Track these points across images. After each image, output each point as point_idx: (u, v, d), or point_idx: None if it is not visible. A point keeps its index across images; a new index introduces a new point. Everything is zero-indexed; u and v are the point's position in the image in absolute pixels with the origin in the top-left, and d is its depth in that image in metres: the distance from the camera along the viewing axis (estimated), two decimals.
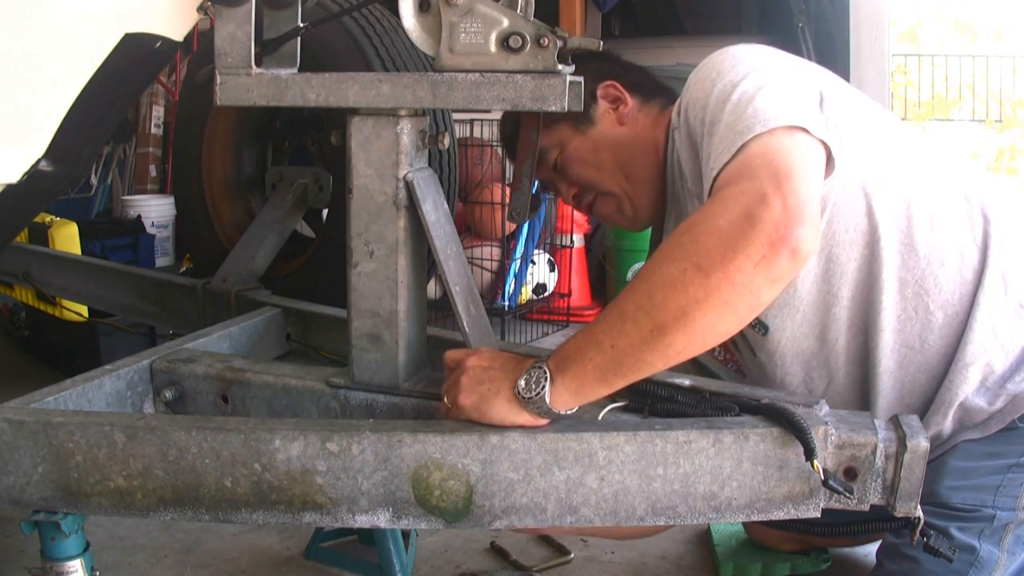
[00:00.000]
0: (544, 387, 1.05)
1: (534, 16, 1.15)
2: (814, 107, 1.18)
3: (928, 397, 1.36)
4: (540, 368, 1.06)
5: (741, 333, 1.41)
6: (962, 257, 1.32)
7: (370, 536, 1.63)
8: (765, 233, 0.95)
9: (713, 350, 1.51)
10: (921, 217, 1.31)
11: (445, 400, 1.14)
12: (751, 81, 1.20)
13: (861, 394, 1.39)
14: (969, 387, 1.32)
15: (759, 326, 1.39)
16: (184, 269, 3.42)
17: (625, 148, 1.52)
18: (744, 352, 1.47)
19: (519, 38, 1.12)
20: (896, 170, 1.34)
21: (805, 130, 1.10)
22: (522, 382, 1.06)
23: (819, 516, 1.09)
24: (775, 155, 1.05)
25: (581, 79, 1.15)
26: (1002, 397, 1.32)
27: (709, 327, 0.98)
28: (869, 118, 1.37)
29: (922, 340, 1.33)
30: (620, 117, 1.53)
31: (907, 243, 1.31)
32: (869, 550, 1.77)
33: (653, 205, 1.53)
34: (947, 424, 1.35)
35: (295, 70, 1.33)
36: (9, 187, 1.35)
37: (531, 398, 1.05)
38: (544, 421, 1.08)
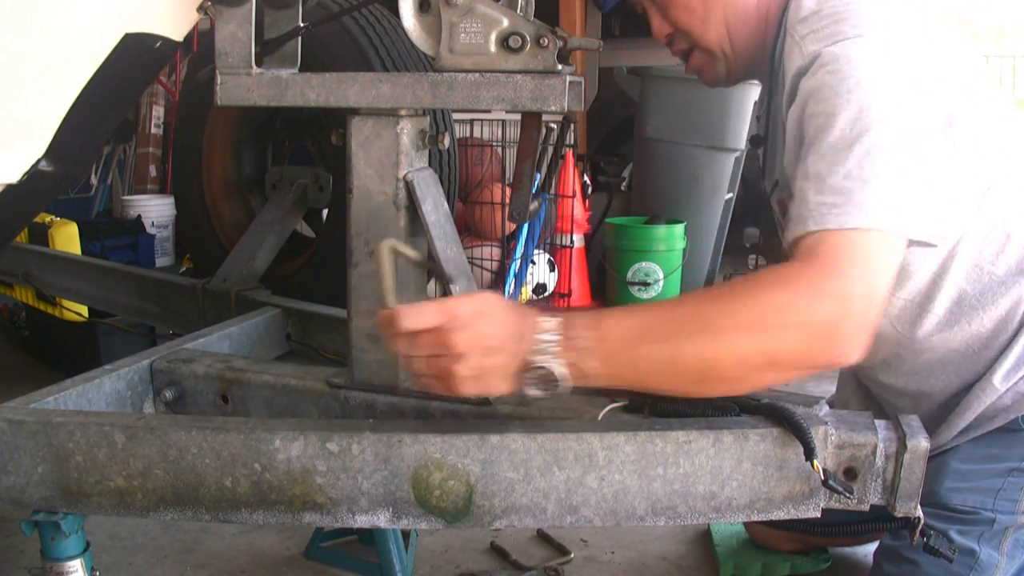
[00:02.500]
0: (555, 388, 1.03)
1: (534, 16, 1.15)
2: (926, 189, 1.14)
3: (957, 394, 1.36)
4: (549, 370, 1.02)
5: None
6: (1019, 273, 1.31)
7: (370, 536, 1.63)
8: (838, 351, 1.03)
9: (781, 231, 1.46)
10: (998, 238, 1.29)
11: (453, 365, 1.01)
12: (879, 132, 1.11)
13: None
14: (996, 394, 1.32)
15: None
16: (184, 269, 3.42)
17: (738, 9, 1.36)
18: None
19: (519, 38, 1.12)
20: (996, 190, 1.29)
21: (903, 235, 1.11)
22: (531, 377, 1.02)
23: (819, 516, 1.09)
24: (872, 270, 1.06)
25: (581, 79, 1.15)
26: (1011, 393, 1.32)
27: (739, 393, 1.10)
28: (987, 129, 1.31)
29: (969, 346, 1.33)
30: None
31: (977, 262, 1.30)
32: (869, 550, 1.77)
33: (747, 73, 1.43)
34: (958, 430, 1.34)
35: (295, 70, 1.33)
36: (9, 187, 1.35)
37: (539, 391, 1.03)
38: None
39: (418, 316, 1.00)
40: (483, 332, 1.01)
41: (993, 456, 1.33)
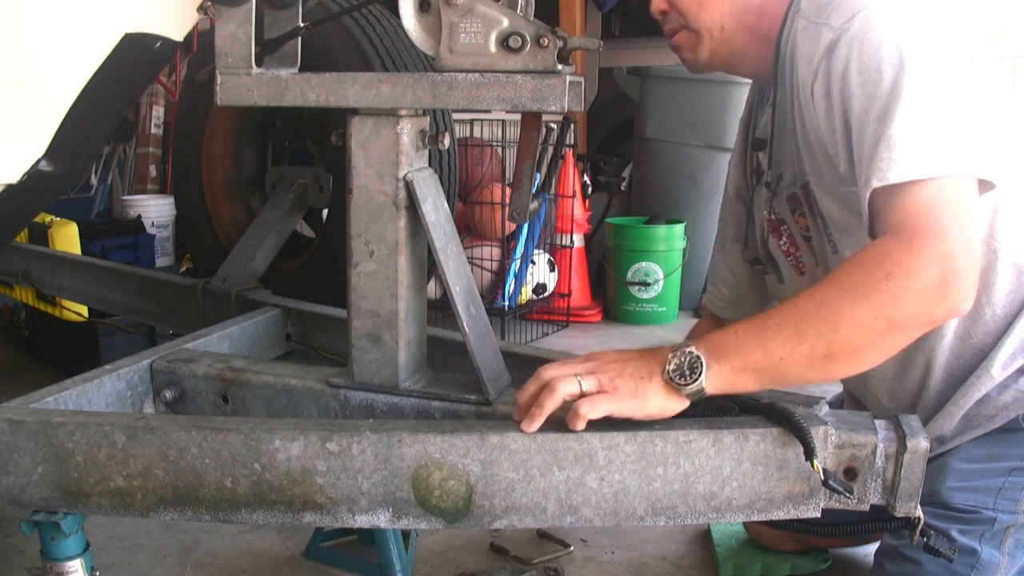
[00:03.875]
0: (701, 372, 1.05)
1: (534, 16, 1.15)
2: (986, 127, 1.19)
3: (952, 386, 1.36)
4: (688, 353, 1.06)
5: (813, 238, 1.41)
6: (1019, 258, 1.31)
7: (370, 536, 1.63)
8: (950, 305, 1.07)
9: (780, 236, 1.49)
10: (1006, 214, 1.30)
11: (583, 385, 1.07)
12: (927, 88, 1.14)
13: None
14: (992, 383, 1.32)
15: (832, 245, 1.36)
16: (184, 269, 3.42)
17: (738, 1, 1.38)
18: (813, 255, 1.44)
19: (519, 38, 1.12)
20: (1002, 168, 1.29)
21: (977, 176, 1.14)
22: (672, 367, 1.06)
23: (819, 516, 1.09)
24: (962, 213, 1.10)
25: (581, 79, 1.15)
26: (1011, 391, 1.32)
27: (871, 364, 1.09)
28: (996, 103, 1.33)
29: (968, 331, 1.33)
30: None
31: (987, 238, 1.30)
32: (869, 550, 1.77)
33: (727, 62, 1.44)
34: (957, 419, 1.34)
35: (295, 70, 1.33)
36: (9, 187, 1.35)
37: (686, 383, 1.06)
38: (686, 404, 1.08)
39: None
40: (620, 351, 1.10)
41: (994, 456, 1.33)
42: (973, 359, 1.34)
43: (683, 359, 1.06)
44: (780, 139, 1.42)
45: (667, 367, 1.06)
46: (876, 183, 1.12)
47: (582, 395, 1.07)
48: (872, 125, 1.15)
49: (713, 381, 1.07)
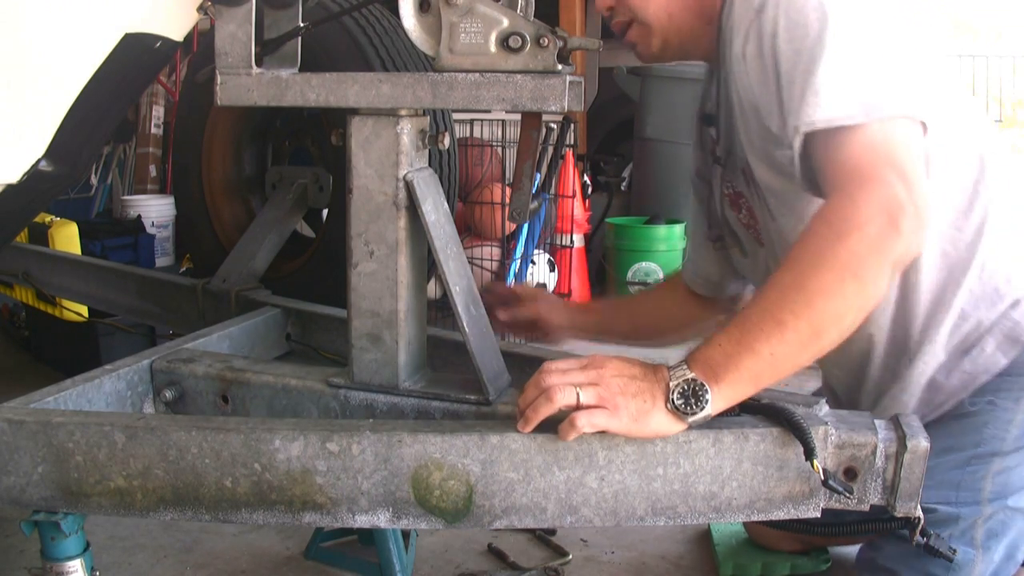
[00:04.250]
0: (706, 398, 1.03)
1: (534, 16, 1.15)
2: (916, 73, 1.21)
3: (896, 360, 1.38)
4: (690, 379, 1.04)
5: (769, 198, 1.40)
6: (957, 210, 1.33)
7: (370, 536, 1.63)
8: (906, 244, 1.07)
9: (739, 209, 1.51)
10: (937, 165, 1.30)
11: (582, 397, 1.05)
12: (852, 36, 1.17)
13: None
14: (937, 361, 1.34)
15: (768, 213, 1.38)
16: (184, 269, 3.42)
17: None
18: (769, 215, 1.43)
19: (519, 38, 1.12)
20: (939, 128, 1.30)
21: (911, 117, 1.16)
22: (676, 395, 1.04)
23: (819, 516, 1.09)
24: (896, 153, 1.12)
25: (581, 79, 1.15)
26: (957, 373, 1.33)
27: (856, 323, 1.08)
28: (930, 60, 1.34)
29: (901, 299, 1.35)
30: None
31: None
32: None
33: (681, 49, 1.46)
34: (914, 403, 1.36)
35: (295, 70, 1.33)
36: (9, 187, 1.35)
37: (692, 413, 1.04)
38: (685, 428, 1.07)
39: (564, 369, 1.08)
40: (622, 362, 1.08)
41: (947, 448, 1.31)
42: (913, 329, 1.35)
43: (686, 386, 1.04)
44: (727, 114, 1.43)
45: (670, 395, 1.04)
46: (804, 128, 1.14)
47: (578, 406, 1.05)
48: (800, 76, 1.16)
49: (717, 404, 1.05)
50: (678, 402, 1.04)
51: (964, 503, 1.30)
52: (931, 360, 1.34)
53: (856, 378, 1.44)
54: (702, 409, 1.04)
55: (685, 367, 1.06)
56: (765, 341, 1.04)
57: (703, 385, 1.04)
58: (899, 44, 1.21)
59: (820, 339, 1.06)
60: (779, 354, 1.05)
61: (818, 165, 1.16)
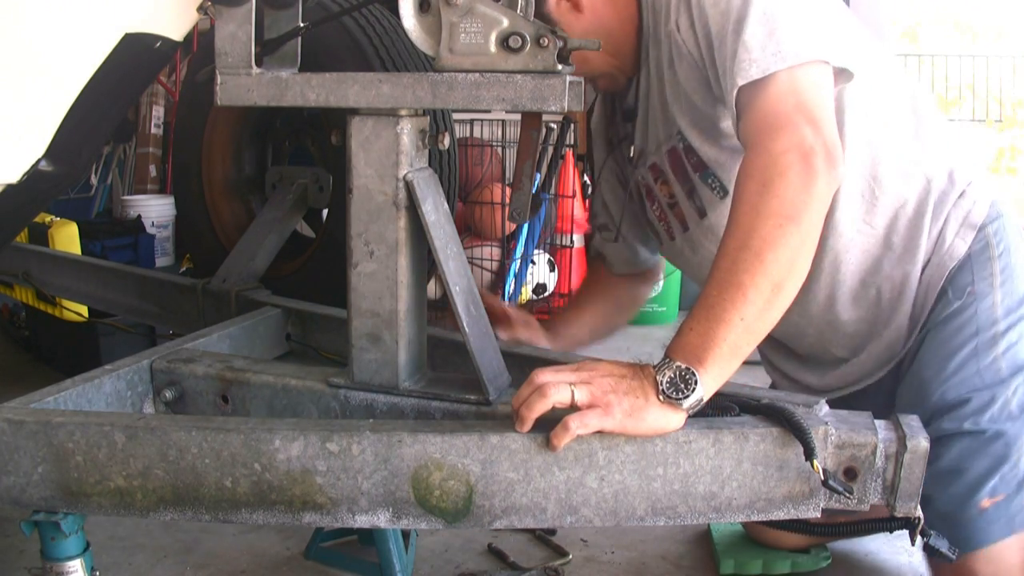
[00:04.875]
0: (695, 384, 1.05)
1: (534, 16, 1.15)
2: (833, 26, 1.31)
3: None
4: (675, 367, 1.06)
5: (693, 195, 1.50)
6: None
7: (370, 536, 1.63)
8: (824, 179, 1.14)
9: (653, 202, 1.60)
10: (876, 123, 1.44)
11: (576, 395, 1.06)
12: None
13: None
14: (903, 262, 1.46)
15: (719, 188, 1.45)
16: (184, 269, 3.42)
17: (602, 29, 1.47)
18: (688, 216, 1.54)
19: (519, 38, 1.12)
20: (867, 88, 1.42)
21: (826, 62, 1.25)
22: (665, 385, 1.05)
23: (819, 516, 1.09)
24: (803, 97, 1.20)
25: (581, 79, 1.15)
26: (929, 269, 1.45)
27: (807, 264, 1.14)
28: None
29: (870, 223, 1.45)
30: (575, 4, 1.47)
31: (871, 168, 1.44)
32: (870, 548, 1.77)
33: (637, 61, 1.53)
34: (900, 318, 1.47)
35: (295, 70, 1.33)
36: (9, 187, 1.35)
37: (684, 397, 1.05)
38: (685, 417, 1.08)
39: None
40: (611, 364, 1.10)
41: (956, 347, 1.41)
42: (876, 247, 1.46)
43: (674, 375, 1.06)
44: (648, 110, 1.51)
45: (660, 387, 1.05)
46: (741, 81, 1.22)
47: (572, 405, 1.05)
48: (730, 37, 1.25)
49: (708, 385, 1.07)
50: (669, 391, 1.05)
51: (991, 385, 1.38)
52: (898, 264, 1.44)
53: (828, 324, 1.52)
54: (693, 392, 1.05)
55: (667, 359, 1.08)
56: (732, 308, 1.08)
57: (689, 370, 1.06)
58: (817, 3, 1.30)
59: (781, 291, 1.10)
60: (749, 317, 1.08)
61: (741, 123, 1.24)
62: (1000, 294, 1.42)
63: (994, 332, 1.41)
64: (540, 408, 1.06)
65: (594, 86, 1.60)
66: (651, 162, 1.55)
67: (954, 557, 1.16)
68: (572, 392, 1.05)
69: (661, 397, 1.05)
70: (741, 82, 1.22)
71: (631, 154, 1.62)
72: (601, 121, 1.78)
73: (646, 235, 1.78)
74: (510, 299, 3.49)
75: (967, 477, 1.35)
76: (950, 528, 1.28)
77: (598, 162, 1.79)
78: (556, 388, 1.05)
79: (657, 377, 1.06)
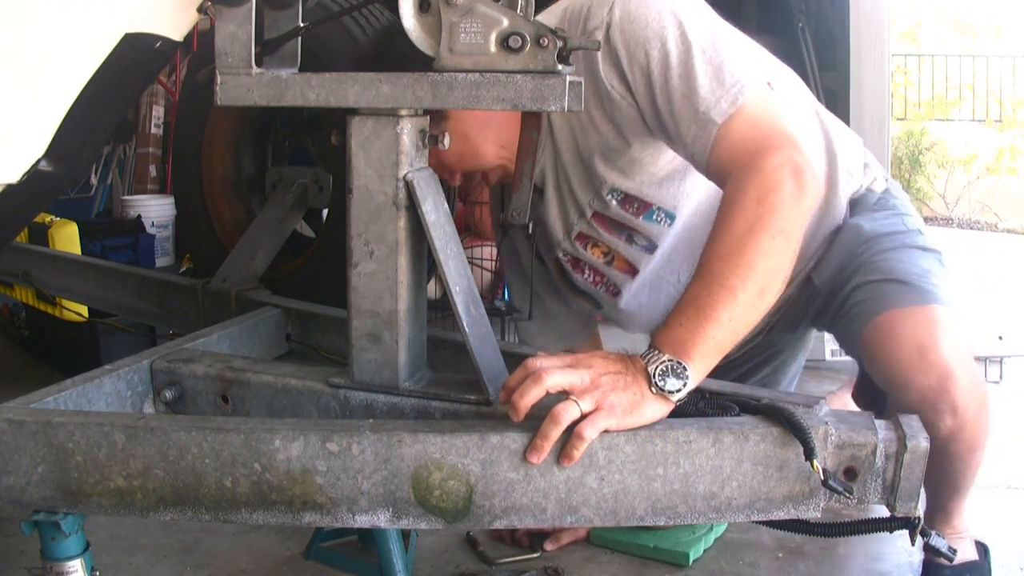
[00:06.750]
0: (686, 376, 1.09)
1: (534, 16, 1.15)
2: (749, 48, 1.46)
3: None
4: (665, 360, 1.09)
5: (634, 239, 1.57)
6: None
7: (370, 536, 1.63)
8: (812, 194, 1.24)
9: (582, 272, 1.66)
10: None
11: (582, 405, 1.07)
12: (705, 36, 1.36)
13: None
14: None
15: (665, 218, 1.54)
16: (184, 269, 3.42)
17: (489, 120, 1.49)
18: (635, 259, 1.58)
19: (519, 38, 1.12)
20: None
21: (768, 82, 1.37)
22: (658, 378, 1.09)
23: (819, 516, 1.09)
24: (774, 119, 1.31)
25: (581, 79, 1.15)
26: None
27: (789, 272, 1.20)
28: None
29: None
30: None
31: None
32: (868, 549, 1.77)
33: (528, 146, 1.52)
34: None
35: (295, 70, 1.33)
36: (9, 187, 1.35)
37: (678, 390, 1.09)
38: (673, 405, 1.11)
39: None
40: (605, 360, 1.12)
41: (892, 232, 1.57)
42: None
43: (666, 368, 1.09)
44: (556, 185, 1.57)
45: (653, 380, 1.09)
46: (719, 119, 1.30)
47: (581, 416, 1.06)
48: (679, 83, 1.33)
49: (694, 376, 1.10)
50: (661, 384, 1.08)
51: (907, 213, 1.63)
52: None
53: None
54: (685, 385, 1.09)
55: (656, 351, 1.11)
56: (722, 308, 1.12)
57: (679, 363, 1.09)
58: (726, 33, 1.40)
59: (764, 296, 1.16)
60: (736, 318, 1.13)
61: (716, 152, 1.30)
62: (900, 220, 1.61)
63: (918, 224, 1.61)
64: (535, 394, 1.07)
65: (486, 181, 1.61)
66: (576, 232, 1.60)
67: (954, 557, 1.16)
68: (578, 405, 1.06)
69: (653, 389, 1.09)
70: (720, 120, 1.29)
71: (534, 233, 1.65)
72: (495, 210, 1.83)
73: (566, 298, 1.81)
74: (510, 299, 3.48)
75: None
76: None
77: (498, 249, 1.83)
78: (550, 374, 1.07)
79: (648, 369, 1.09)
